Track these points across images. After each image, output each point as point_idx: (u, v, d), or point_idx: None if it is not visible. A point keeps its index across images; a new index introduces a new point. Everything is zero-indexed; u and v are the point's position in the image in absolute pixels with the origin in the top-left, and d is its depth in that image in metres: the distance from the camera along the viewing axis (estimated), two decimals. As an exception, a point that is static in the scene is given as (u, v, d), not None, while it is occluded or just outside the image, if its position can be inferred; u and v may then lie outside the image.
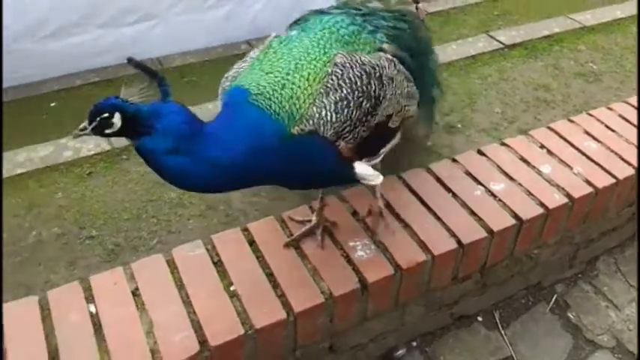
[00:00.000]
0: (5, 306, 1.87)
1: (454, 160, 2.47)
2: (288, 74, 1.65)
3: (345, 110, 1.64)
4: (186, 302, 1.88)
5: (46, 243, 2.70)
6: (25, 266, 2.64)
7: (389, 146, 1.94)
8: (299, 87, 1.63)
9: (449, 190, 2.32)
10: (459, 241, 2.12)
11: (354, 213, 2.22)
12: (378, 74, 1.75)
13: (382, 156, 1.92)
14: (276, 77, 1.65)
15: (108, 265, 2.65)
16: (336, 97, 1.63)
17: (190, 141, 1.50)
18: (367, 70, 1.72)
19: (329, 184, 1.95)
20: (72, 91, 4.18)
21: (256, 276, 1.98)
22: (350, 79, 1.67)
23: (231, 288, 1.94)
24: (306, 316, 1.90)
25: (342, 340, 2.09)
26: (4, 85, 4.12)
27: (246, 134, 1.56)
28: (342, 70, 1.68)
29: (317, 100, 1.62)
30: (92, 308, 1.85)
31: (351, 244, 2.09)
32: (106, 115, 1.46)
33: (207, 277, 1.95)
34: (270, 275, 1.98)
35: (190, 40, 4.46)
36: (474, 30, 4.63)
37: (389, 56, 1.86)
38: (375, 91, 1.72)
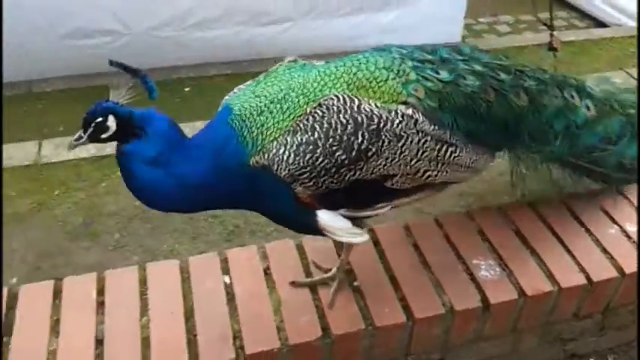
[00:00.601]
0: (149, 264, 2.04)
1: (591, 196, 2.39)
2: (272, 102, 1.60)
3: (308, 155, 1.53)
4: (312, 288, 1.96)
5: (175, 215, 2.90)
6: (155, 233, 2.87)
7: (398, 202, 1.76)
8: (274, 117, 1.57)
9: (582, 224, 2.25)
10: (588, 277, 2.05)
11: (481, 232, 2.21)
12: (373, 127, 1.57)
13: (385, 209, 1.74)
14: (260, 102, 1.61)
15: (227, 244, 2.81)
16: (301, 139, 1.53)
17: (172, 151, 1.54)
18: (359, 119, 1.56)
19: (294, 227, 1.76)
20: (205, 80, 4.47)
21: (379, 276, 2.02)
22: (330, 124, 1.55)
23: (355, 283, 1.99)
24: (424, 324, 1.91)
25: (453, 355, 2.08)
26: (146, 66, 4.48)
27: (212, 152, 1.57)
28: (323, 113, 1.56)
29: (281, 137, 1.54)
30: (227, 279, 1.98)
31: (475, 262, 2.09)
32: (100, 119, 1.50)
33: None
34: (392, 278, 2.02)
35: (320, 45, 4.62)
36: (609, 65, 4.45)
37: (410, 112, 1.63)
38: (361, 144, 1.55)
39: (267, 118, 1.57)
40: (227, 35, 4.53)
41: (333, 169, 1.55)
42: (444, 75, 1.75)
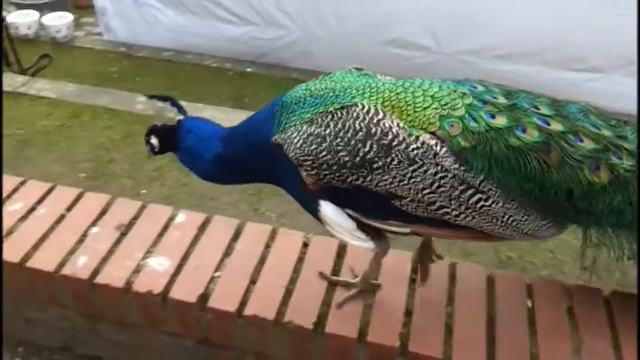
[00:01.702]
0: (459, 265, 2.18)
1: None
2: (311, 96, 1.72)
3: (314, 146, 1.64)
4: (615, 344, 1.91)
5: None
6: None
7: (416, 228, 1.75)
8: (303, 108, 1.70)
9: None
10: None
11: None
12: (385, 142, 1.61)
13: (401, 230, 1.76)
14: (304, 94, 1.74)
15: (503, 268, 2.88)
16: (314, 131, 1.65)
17: (200, 149, 1.81)
18: (373, 130, 1.62)
19: (304, 208, 1.82)
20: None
21: None
22: (343, 126, 1.64)
23: None
24: None
25: None
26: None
27: (251, 130, 1.81)
28: (342, 115, 1.65)
29: (299, 124, 1.68)
30: (529, 303, 2.03)
31: None
32: (147, 138, 1.88)
33: None
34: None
35: (619, 103, 4.38)
36: None
37: (432, 142, 1.61)
38: (367, 153, 1.61)
39: (298, 108, 1.72)
40: (528, 72, 4.57)
41: (335, 167, 1.64)
42: (499, 121, 1.65)
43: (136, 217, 2.27)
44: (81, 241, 2.17)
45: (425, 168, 1.62)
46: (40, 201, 2.32)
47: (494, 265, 2.95)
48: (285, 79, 4.86)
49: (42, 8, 6.03)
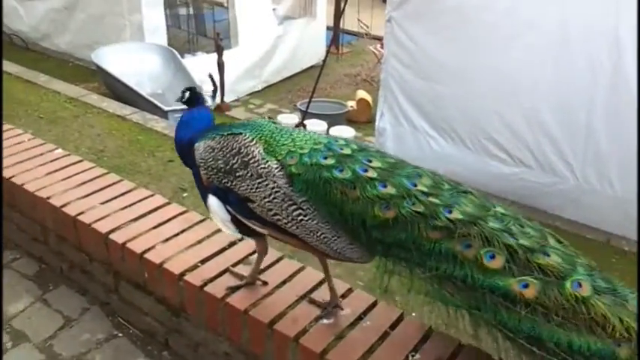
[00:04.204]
0: None
1: None
2: (228, 127, 2.40)
3: (207, 153, 2.32)
4: None
5: None
6: None
7: (271, 232, 2.30)
8: (216, 132, 2.36)
9: None
10: None
11: None
12: (246, 159, 2.24)
13: (261, 230, 2.32)
14: (225, 126, 2.44)
15: None
16: (210, 144, 2.33)
17: (191, 127, 2.45)
18: (241, 150, 2.25)
19: (202, 200, 2.45)
20: None
21: None
22: (227, 144, 2.29)
23: None
24: None
25: None
26: None
27: (191, 135, 2.43)
28: (229, 139, 2.30)
29: (208, 140, 2.34)
30: None
31: None
32: (185, 90, 2.50)
33: None
34: None
35: None
36: None
37: (274, 166, 2.21)
38: (233, 165, 2.25)
39: (215, 131, 2.37)
40: None
41: (215, 170, 2.29)
42: (327, 161, 2.17)
43: (454, 354, 2.36)
44: (405, 364, 2.30)
45: (266, 182, 2.20)
46: (365, 312, 2.55)
47: None
48: (546, 224, 4.73)
49: (324, 118, 6.98)
